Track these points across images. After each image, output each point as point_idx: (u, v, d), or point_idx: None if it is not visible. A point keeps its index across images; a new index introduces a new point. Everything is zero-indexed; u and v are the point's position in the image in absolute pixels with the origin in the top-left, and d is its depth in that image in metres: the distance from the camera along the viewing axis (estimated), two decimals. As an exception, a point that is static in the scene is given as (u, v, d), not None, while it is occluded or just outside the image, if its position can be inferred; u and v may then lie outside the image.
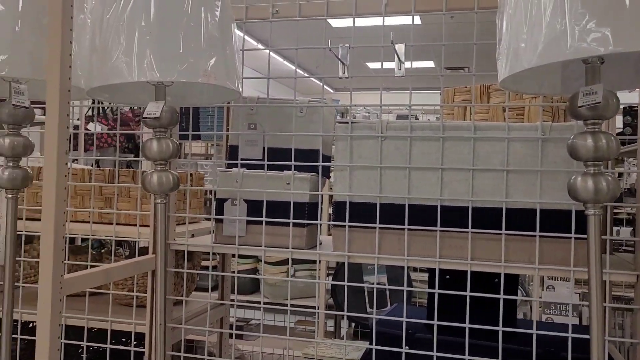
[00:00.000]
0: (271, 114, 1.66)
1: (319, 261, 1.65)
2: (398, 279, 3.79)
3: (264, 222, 1.56)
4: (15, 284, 1.64)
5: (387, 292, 3.77)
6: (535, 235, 1.34)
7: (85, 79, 1.31)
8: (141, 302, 1.75)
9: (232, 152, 1.68)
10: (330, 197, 3.74)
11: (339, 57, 1.44)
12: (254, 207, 1.60)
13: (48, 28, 1.18)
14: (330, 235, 2.13)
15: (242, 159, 1.64)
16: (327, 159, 1.71)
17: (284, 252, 1.54)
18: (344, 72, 1.49)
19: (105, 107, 5.17)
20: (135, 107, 5.84)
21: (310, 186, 1.58)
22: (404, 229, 1.43)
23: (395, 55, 1.41)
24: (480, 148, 1.39)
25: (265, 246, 1.56)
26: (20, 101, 1.37)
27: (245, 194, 1.60)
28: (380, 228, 1.45)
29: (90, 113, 5.10)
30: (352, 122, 1.49)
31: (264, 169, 1.60)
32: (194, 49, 1.23)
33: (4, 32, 1.25)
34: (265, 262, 3.74)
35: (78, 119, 4.94)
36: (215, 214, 1.62)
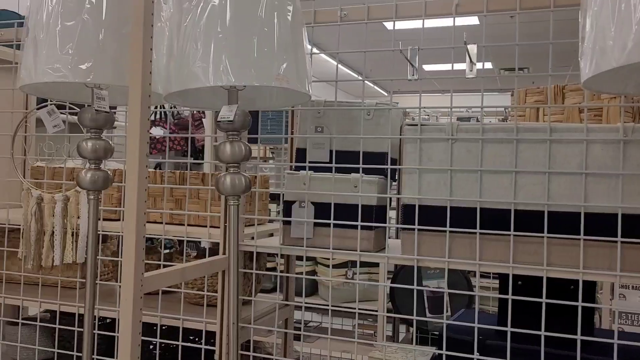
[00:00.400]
0: (338, 116, 1.66)
1: (386, 264, 1.64)
2: (456, 284, 3.73)
3: (331, 225, 1.57)
4: (91, 281, 1.71)
5: (447, 297, 3.71)
6: (616, 241, 1.29)
7: (162, 85, 1.36)
8: (210, 302, 1.79)
9: (299, 154, 1.70)
10: (390, 200, 3.71)
11: (408, 59, 1.44)
12: (321, 209, 1.61)
13: (130, 36, 1.23)
14: (390, 238, 2.11)
15: (309, 162, 1.66)
16: (393, 161, 1.70)
17: (351, 254, 1.55)
18: (412, 74, 1.48)
19: (167, 112, 5.34)
20: (195, 112, 6.00)
21: (377, 189, 1.57)
22: (475, 233, 1.41)
23: (467, 56, 1.39)
24: (557, 150, 1.35)
25: (333, 248, 1.56)
26: (101, 106, 1.43)
27: (312, 197, 1.62)
28: (450, 232, 1.43)
29: (152, 118, 5.29)
30: (421, 125, 1.48)
31: (330, 172, 1.62)
32: (267, 53, 1.26)
33: (89, 41, 1.31)
34: (325, 265, 3.75)
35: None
36: (283, 216, 1.64)
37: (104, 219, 1.94)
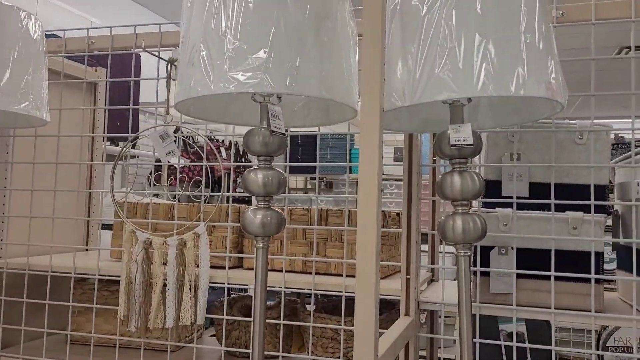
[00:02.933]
0: (539, 141, 1.35)
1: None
2: (537, 329, 3.41)
3: (552, 277, 1.23)
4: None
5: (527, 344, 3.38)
6: None
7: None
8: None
9: (489, 188, 1.37)
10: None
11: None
12: (524, 257, 1.29)
13: (364, 31, 0.91)
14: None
15: (504, 197, 1.34)
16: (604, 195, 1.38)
17: (583, 316, 1.21)
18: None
19: (185, 139, 5.03)
20: (214, 139, 5.67)
21: (603, 231, 1.25)
22: None
23: None
24: None
25: (555, 307, 1.23)
26: (277, 126, 1.10)
27: (513, 240, 1.29)
28: None
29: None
30: (675, 150, 1.17)
31: (530, 209, 1.30)
32: (535, 55, 0.95)
33: (287, 40, 0.98)
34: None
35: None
36: (476, 265, 1.30)
37: (212, 266, 1.58)
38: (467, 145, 1.00)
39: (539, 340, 3.30)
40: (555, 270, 1.25)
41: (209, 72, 0.98)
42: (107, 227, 2.60)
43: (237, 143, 5.97)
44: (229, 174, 5.47)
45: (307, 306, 1.76)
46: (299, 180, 4.71)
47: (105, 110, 2.07)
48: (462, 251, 1.04)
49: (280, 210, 1.13)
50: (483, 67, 0.91)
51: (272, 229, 1.11)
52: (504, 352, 3.46)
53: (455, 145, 1.01)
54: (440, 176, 1.06)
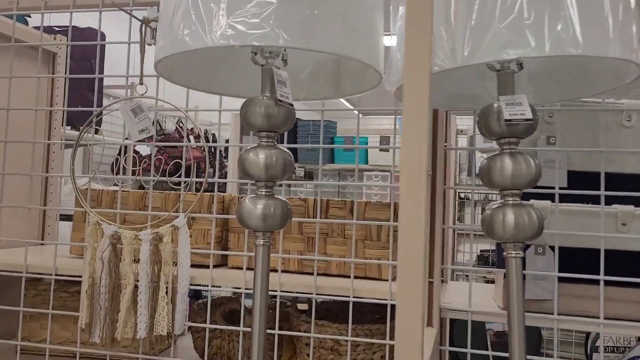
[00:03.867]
0: (578, 122, 1.17)
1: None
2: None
3: (601, 282, 1.05)
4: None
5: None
6: None
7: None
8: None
9: (521, 177, 1.18)
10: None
11: None
12: (567, 257, 1.11)
13: (410, -36, 0.70)
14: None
15: (539, 187, 1.15)
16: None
17: (636, 327, 1.03)
18: None
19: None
20: (180, 125, 5.39)
21: (658, 228, 1.08)
22: None
23: None
24: None
25: (604, 318, 1.05)
26: (284, 94, 0.88)
27: (553, 238, 1.10)
28: None
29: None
30: None
31: (570, 201, 1.12)
32: (617, 9, 0.76)
33: None
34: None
35: (127, 138, 4.46)
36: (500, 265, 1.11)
37: (192, 265, 1.36)
38: (526, 120, 0.81)
39: (527, 340, 3.17)
40: (609, 273, 1.07)
41: (203, 19, 0.76)
42: (66, 217, 2.33)
43: (206, 131, 5.70)
44: (198, 164, 5.21)
45: (298, 306, 1.55)
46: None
47: (65, 85, 1.80)
48: (514, 252, 0.85)
49: (285, 200, 0.91)
50: (560, 21, 0.72)
51: (275, 221, 0.90)
52: (489, 349, 3.33)
53: (510, 120, 0.81)
54: (485, 159, 0.87)
